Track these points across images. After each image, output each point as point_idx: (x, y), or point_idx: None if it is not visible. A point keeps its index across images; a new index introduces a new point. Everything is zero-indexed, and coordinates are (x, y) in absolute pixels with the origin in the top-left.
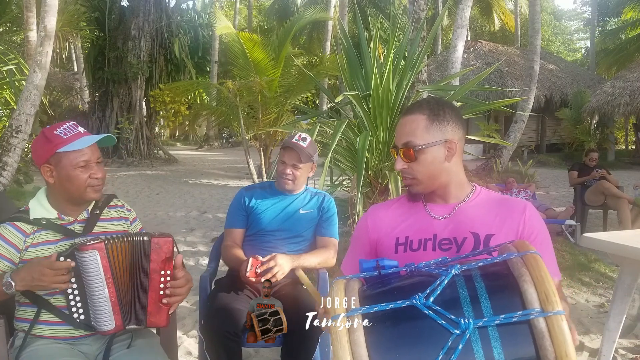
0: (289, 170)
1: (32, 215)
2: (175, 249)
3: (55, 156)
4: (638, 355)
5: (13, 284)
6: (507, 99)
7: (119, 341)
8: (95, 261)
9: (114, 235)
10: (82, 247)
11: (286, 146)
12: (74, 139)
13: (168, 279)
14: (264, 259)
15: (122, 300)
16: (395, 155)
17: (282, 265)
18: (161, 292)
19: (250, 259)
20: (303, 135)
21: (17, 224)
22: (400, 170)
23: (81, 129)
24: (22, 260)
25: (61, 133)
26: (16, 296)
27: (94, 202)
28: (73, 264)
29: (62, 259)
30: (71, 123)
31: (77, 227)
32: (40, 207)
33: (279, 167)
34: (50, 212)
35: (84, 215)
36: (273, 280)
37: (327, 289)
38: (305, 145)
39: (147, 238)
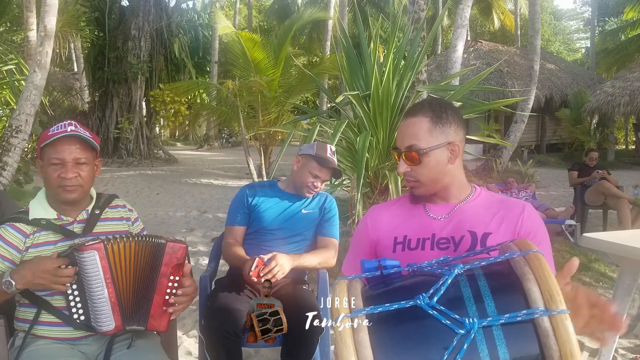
0: (319, 184)
1: (31, 216)
2: (187, 257)
3: (42, 152)
4: (638, 355)
5: (13, 282)
6: (507, 99)
7: (119, 341)
8: (94, 261)
9: (117, 235)
10: (81, 248)
11: (323, 165)
12: (55, 135)
13: (175, 285)
14: (267, 259)
15: (122, 301)
16: (397, 158)
17: (283, 265)
18: (166, 297)
19: (256, 259)
20: (333, 148)
21: (17, 224)
22: (403, 173)
23: (70, 128)
24: (23, 262)
25: (52, 130)
26: (16, 296)
27: (94, 202)
28: (76, 269)
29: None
30: (67, 122)
31: (76, 228)
32: (40, 207)
33: (307, 179)
34: (50, 213)
35: (83, 215)
36: (273, 280)
37: (327, 289)
38: (335, 159)
39: (163, 241)
